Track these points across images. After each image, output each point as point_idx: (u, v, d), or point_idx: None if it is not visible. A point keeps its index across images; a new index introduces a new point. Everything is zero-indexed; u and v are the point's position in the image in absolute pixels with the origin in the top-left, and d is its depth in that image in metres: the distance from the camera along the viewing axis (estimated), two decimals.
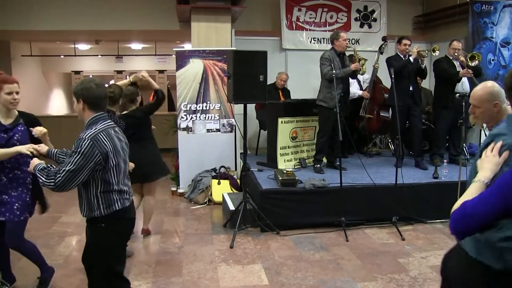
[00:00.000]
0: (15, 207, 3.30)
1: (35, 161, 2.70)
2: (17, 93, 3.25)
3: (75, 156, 2.50)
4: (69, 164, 2.49)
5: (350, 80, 7.34)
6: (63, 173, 2.48)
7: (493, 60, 7.51)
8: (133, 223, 2.91)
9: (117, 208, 2.68)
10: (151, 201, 5.05)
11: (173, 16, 7.83)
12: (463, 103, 5.33)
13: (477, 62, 6.28)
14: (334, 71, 5.53)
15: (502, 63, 7.52)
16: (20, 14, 7.93)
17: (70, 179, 2.49)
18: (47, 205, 3.61)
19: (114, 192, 2.68)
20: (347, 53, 6.28)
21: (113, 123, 2.79)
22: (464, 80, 6.34)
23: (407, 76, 6.22)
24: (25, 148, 3.04)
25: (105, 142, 2.58)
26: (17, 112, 3.37)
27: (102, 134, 2.59)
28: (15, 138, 3.29)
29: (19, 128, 3.33)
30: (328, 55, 5.85)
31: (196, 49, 6.82)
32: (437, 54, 6.39)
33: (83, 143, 2.51)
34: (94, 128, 2.60)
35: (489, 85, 2.43)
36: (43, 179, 2.54)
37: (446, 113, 6.37)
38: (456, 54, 6.31)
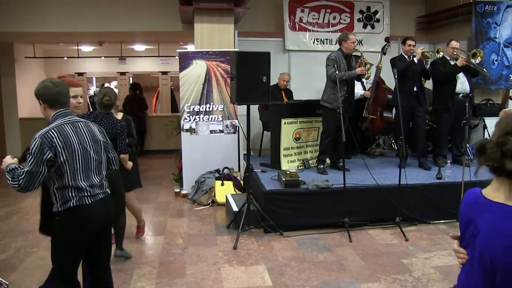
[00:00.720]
0: None
1: (7, 160, 2.68)
2: (81, 96, 3.23)
3: (29, 156, 2.51)
4: (27, 165, 2.50)
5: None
6: (23, 175, 2.49)
7: (496, 60, 7.50)
8: (94, 223, 2.72)
9: (72, 205, 2.62)
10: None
11: (176, 18, 7.84)
12: (466, 104, 5.34)
13: (479, 59, 6.27)
14: (338, 73, 5.53)
15: (505, 63, 7.51)
16: (24, 16, 7.95)
17: (30, 180, 2.49)
18: None
19: (70, 189, 2.62)
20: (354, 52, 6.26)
21: (75, 118, 2.75)
22: (464, 80, 6.34)
23: (411, 76, 6.22)
24: (10, 157, 2.77)
25: (54, 138, 2.54)
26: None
27: (52, 130, 2.57)
28: None
29: None
30: (334, 56, 5.85)
31: (199, 50, 6.83)
32: (441, 56, 6.39)
33: (33, 143, 2.52)
34: (48, 126, 2.60)
35: None
36: (10, 180, 2.53)
37: (446, 114, 6.37)
38: (455, 53, 6.31)
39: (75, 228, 2.66)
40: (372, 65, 6.26)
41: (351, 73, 5.83)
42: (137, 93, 11.04)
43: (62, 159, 2.57)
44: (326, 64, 5.89)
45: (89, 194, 2.68)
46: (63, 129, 2.61)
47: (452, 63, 6.34)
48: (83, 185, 2.66)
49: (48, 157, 2.51)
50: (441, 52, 6.40)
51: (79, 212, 2.64)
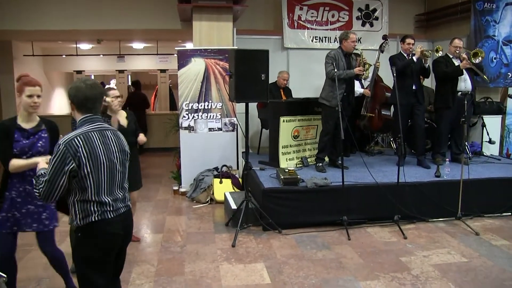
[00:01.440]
0: (43, 216, 3.22)
1: (40, 163, 2.59)
2: (38, 96, 3.12)
3: (49, 165, 2.36)
4: (47, 174, 2.35)
5: None
6: (43, 184, 2.35)
7: (495, 58, 7.50)
8: (116, 237, 2.54)
9: (94, 220, 2.43)
10: None
11: (174, 15, 7.83)
12: (465, 102, 5.34)
13: (480, 59, 6.26)
14: (336, 71, 5.53)
15: (504, 61, 7.50)
16: (22, 14, 7.93)
17: (49, 190, 2.34)
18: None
19: (92, 203, 2.43)
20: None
21: (104, 125, 2.57)
22: (467, 78, 6.33)
23: (410, 75, 6.22)
24: (44, 161, 2.68)
25: (79, 147, 2.35)
26: (38, 118, 3.23)
27: (79, 138, 2.37)
28: (39, 144, 3.16)
29: (42, 135, 3.20)
30: (333, 54, 5.85)
31: (197, 48, 6.82)
32: (440, 54, 6.38)
33: (57, 149, 2.34)
34: (75, 132, 2.42)
35: None
36: (35, 188, 2.41)
37: (447, 113, 6.38)
38: (457, 52, 6.31)
39: (99, 245, 2.48)
40: (371, 65, 6.26)
41: (349, 73, 5.83)
42: (139, 91, 11.03)
43: (85, 171, 2.38)
44: (325, 62, 5.89)
45: (111, 209, 2.50)
46: (89, 137, 2.41)
47: (455, 61, 6.33)
48: (106, 200, 2.48)
49: (71, 167, 2.32)
50: (440, 52, 6.39)
51: (100, 228, 2.46)
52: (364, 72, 6.03)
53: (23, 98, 3.08)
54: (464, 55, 6.21)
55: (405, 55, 6.30)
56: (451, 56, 6.40)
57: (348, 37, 5.89)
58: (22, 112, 3.15)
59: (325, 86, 6.01)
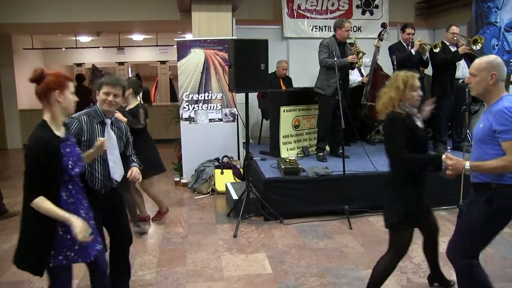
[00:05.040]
0: None
1: None
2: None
3: None
4: None
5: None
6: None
7: (497, 45, 7.41)
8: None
9: None
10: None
11: (173, 6, 7.79)
12: (467, 89, 5.30)
13: (480, 45, 6.21)
14: (329, 59, 5.51)
15: (506, 48, 7.42)
16: (21, 7, 7.91)
17: None
18: None
19: None
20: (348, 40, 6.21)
21: None
22: (465, 65, 6.29)
23: (409, 66, 6.18)
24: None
25: None
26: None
27: None
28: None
29: (73, 140, 2.67)
30: (327, 43, 5.83)
31: (197, 39, 6.78)
32: (437, 51, 6.30)
33: None
34: None
35: (491, 57, 2.56)
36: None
37: (446, 101, 6.32)
38: (455, 38, 6.25)
39: None
40: (365, 54, 6.18)
41: (343, 61, 5.75)
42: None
43: None
44: (319, 50, 5.87)
45: None
46: None
47: (452, 48, 6.29)
48: None
49: None
50: (438, 48, 6.29)
51: None
52: (358, 61, 5.95)
53: (67, 95, 2.51)
54: (462, 41, 6.16)
55: (405, 44, 6.26)
56: (448, 44, 6.36)
57: (343, 25, 5.85)
58: (58, 116, 2.52)
59: (320, 75, 5.98)
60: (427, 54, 6.27)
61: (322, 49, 5.81)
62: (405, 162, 2.94)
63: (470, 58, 6.30)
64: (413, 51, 6.06)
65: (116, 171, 3.03)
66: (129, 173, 3.11)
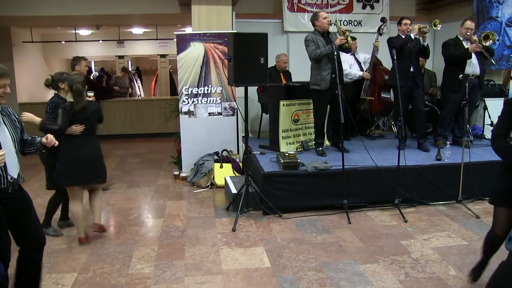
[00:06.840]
0: None
1: None
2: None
3: None
4: None
5: (351, 61, 7.27)
6: None
7: (498, 40, 7.38)
8: None
9: None
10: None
11: (173, 0, 7.75)
12: (466, 84, 5.28)
13: (491, 42, 6.12)
14: (318, 50, 5.51)
15: (507, 43, 7.40)
16: (20, 0, 7.87)
17: None
18: None
19: None
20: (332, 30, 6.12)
21: None
22: (475, 61, 6.21)
23: (407, 56, 6.15)
24: None
25: None
26: None
27: None
28: None
29: None
30: (311, 37, 5.81)
31: (196, 32, 6.75)
32: (439, 28, 6.20)
33: None
34: None
35: None
36: None
37: (454, 96, 6.24)
38: (468, 34, 6.16)
39: None
40: (351, 31, 6.04)
41: (331, 47, 5.66)
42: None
43: None
44: (306, 46, 5.85)
45: None
46: None
47: (465, 43, 6.22)
48: None
49: None
50: (438, 25, 6.20)
51: None
52: (347, 40, 5.79)
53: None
54: (475, 37, 6.08)
55: (403, 36, 6.22)
56: (461, 39, 6.28)
57: (318, 16, 5.83)
58: None
59: (312, 71, 5.95)
60: (427, 40, 6.21)
61: (309, 43, 5.80)
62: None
63: (482, 54, 6.23)
64: (412, 35, 6.02)
65: (12, 167, 2.84)
66: (43, 140, 3.05)
